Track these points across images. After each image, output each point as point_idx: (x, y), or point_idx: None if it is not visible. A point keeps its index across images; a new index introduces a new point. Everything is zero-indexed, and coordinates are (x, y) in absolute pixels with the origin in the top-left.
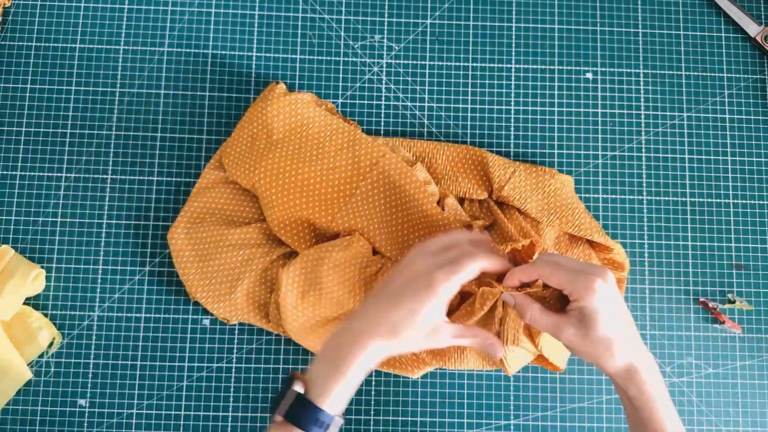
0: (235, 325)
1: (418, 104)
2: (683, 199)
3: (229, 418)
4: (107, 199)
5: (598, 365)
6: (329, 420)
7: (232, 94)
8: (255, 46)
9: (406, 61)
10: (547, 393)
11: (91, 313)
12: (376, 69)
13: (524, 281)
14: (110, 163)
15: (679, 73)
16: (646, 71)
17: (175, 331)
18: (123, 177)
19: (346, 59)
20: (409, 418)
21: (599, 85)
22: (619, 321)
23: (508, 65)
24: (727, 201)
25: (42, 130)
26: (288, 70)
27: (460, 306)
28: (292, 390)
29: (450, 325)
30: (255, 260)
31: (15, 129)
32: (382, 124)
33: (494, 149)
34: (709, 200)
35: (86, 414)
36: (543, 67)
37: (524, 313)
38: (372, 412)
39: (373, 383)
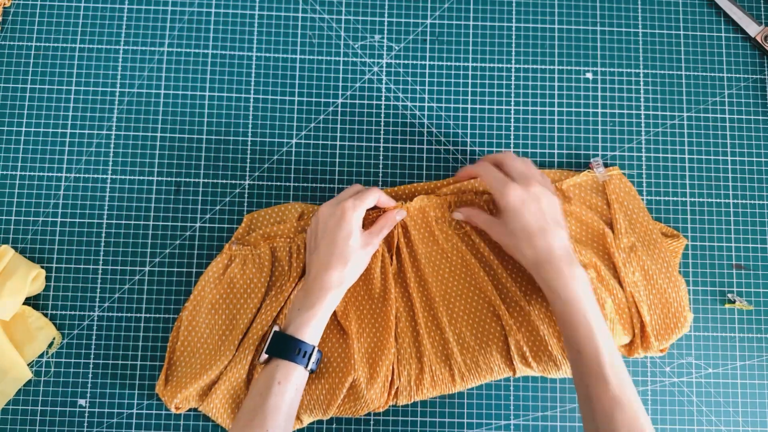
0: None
1: (418, 104)
2: (683, 199)
3: None
4: (107, 199)
5: (521, 254)
6: (308, 348)
7: (232, 94)
8: (255, 46)
9: (406, 61)
10: (547, 393)
11: (91, 313)
12: (376, 69)
13: (471, 176)
14: (110, 163)
15: (679, 73)
16: (646, 71)
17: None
18: (123, 177)
19: (346, 59)
20: (409, 418)
21: (599, 85)
22: (529, 223)
23: (508, 65)
24: (727, 201)
25: (42, 130)
26: (288, 70)
27: None
28: (272, 331)
29: (369, 231)
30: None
31: (15, 129)
32: (382, 124)
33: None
34: (709, 200)
35: (86, 414)
36: (543, 67)
37: (467, 216)
38: (372, 413)
39: None
